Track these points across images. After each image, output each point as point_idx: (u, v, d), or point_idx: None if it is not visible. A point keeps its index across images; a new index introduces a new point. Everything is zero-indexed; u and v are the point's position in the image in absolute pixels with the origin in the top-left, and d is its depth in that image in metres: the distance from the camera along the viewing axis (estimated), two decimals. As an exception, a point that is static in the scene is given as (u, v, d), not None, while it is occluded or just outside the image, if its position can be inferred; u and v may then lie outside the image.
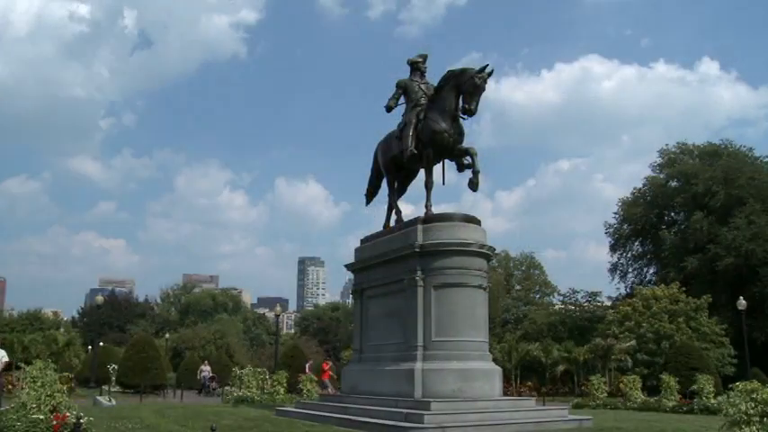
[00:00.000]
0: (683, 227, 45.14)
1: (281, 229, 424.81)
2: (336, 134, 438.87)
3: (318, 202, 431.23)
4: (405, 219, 15.10)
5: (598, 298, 49.89)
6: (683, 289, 37.28)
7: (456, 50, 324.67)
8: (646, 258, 48.85)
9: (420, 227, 13.49)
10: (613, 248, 48.89)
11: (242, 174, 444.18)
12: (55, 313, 74.50)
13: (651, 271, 48.56)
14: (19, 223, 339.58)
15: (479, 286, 13.33)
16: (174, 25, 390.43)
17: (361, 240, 15.97)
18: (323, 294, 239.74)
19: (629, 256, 49.23)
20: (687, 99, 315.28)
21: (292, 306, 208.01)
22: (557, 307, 52.17)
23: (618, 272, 48.86)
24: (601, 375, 27.24)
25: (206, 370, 33.23)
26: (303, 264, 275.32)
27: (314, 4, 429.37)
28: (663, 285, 38.52)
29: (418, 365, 12.55)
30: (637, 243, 49.00)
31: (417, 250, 13.11)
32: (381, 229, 15.80)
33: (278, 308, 43.16)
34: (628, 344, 33.51)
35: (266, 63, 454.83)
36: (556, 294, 54.43)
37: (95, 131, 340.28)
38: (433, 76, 15.18)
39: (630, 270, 49.11)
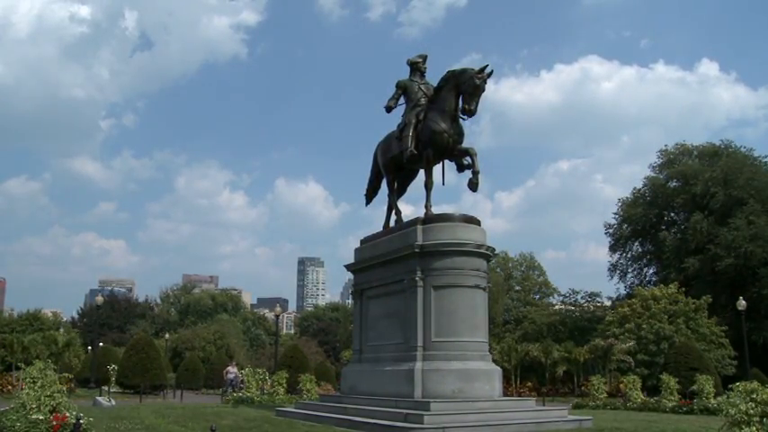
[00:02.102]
0: (682, 227, 45.10)
1: (281, 230, 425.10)
2: (336, 134, 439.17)
3: (318, 203, 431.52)
4: (405, 219, 15.10)
5: (598, 298, 49.92)
6: (683, 289, 37.25)
7: (456, 51, 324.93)
8: (645, 259, 48.80)
9: (420, 227, 13.48)
10: (613, 249, 48.81)
11: (242, 174, 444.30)
12: (55, 314, 74.33)
13: (651, 271, 48.55)
14: (19, 224, 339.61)
15: (479, 287, 13.31)
16: (175, 27, 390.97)
17: (361, 241, 15.96)
18: (323, 295, 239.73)
19: (628, 256, 49.14)
20: (687, 100, 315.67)
21: (292, 306, 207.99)
22: (556, 307, 52.12)
23: (617, 272, 48.81)
24: (601, 376, 27.22)
25: (233, 372, 30.30)
26: (303, 264, 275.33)
27: (314, 6, 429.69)
28: (662, 286, 38.48)
29: (418, 366, 12.54)
30: (636, 243, 48.92)
31: (417, 250, 13.10)
32: (381, 229, 15.79)
33: (278, 308, 43.10)
34: (628, 345, 33.48)
35: (266, 64, 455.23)
36: (555, 295, 54.42)
37: (96, 132, 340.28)
38: (433, 77, 15.20)
39: (630, 270, 49.06)
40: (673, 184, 45.94)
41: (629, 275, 48.80)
